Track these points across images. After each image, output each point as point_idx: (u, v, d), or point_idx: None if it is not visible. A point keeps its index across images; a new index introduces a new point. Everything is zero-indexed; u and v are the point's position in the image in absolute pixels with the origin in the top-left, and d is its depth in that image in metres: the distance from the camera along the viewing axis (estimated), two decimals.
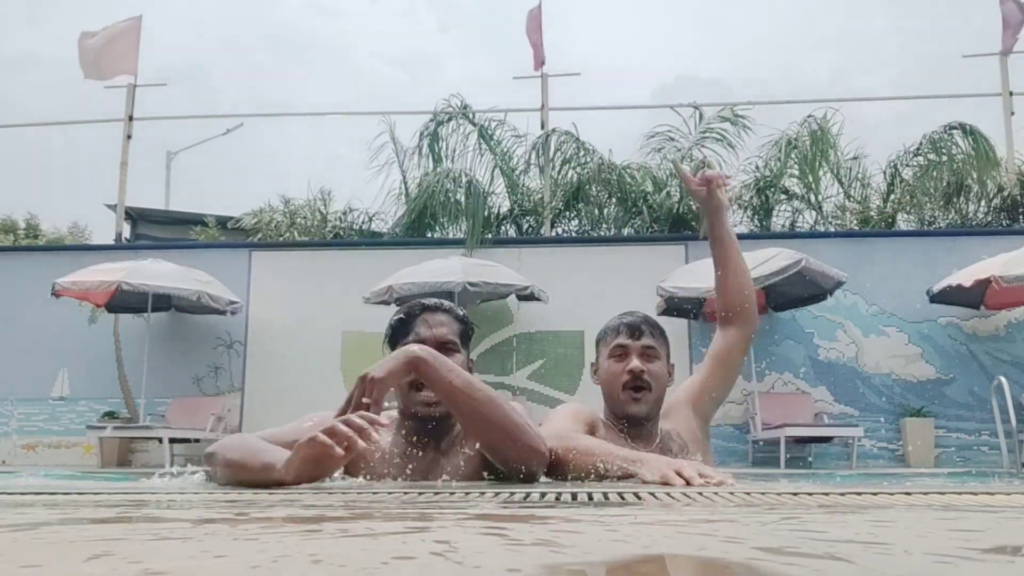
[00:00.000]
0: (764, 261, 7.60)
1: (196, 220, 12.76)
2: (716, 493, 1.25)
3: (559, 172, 10.58)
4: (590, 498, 1.17)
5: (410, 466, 1.81)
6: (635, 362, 2.04)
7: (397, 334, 1.91)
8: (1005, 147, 10.18)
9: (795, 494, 1.25)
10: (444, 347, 1.83)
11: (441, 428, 1.87)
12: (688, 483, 1.52)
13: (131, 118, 11.15)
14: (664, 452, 2.02)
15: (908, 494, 1.30)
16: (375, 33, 44.23)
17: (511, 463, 1.69)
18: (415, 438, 1.85)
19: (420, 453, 1.84)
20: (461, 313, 1.97)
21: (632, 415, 2.05)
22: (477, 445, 1.77)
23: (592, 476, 1.72)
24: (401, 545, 0.66)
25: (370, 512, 0.95)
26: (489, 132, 10.71)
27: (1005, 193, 9.97)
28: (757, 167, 10.54)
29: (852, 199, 10.46)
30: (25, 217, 14.11)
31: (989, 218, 10.12)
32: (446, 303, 1.97)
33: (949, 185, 9.90)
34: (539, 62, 11.13)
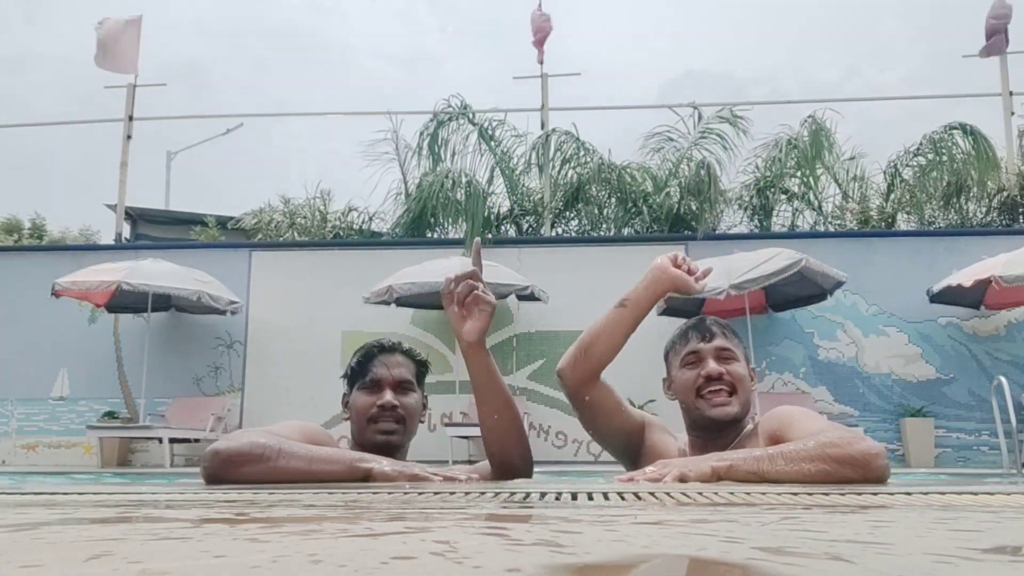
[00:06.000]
0: (764, 261, 7.60)
1: (196, 220, 12.77)
2: (716, 493, 1.25)
3: (559, 172, 10.59)
4: (590, 498, 1.17)
5: None
6: (712, 365, 1.88)
7: (356, 375, 2.02)
8: (1005, 147, 10.20)
9: (795, 494, 1.25)
10: (401, 386, 1.98)
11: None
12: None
13: (131, 118, 11.16)
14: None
15: (908, 494, 1.30)
16: (375, 33, 44.27)
17: (503, 462, 1.89)
18: None
19: None
20: (416, 354, 2.10)
21: (718, 418, 1.86)
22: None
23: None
24: (401, 545, 0.66)
25: (370, 512, 0.95)
26: (489, 132, 10.72)
27: (1005, 193, 9.97)
28: (757, 167, 10.55)
29: (850, 199, 10.47)
30: (31, 217, 14.08)
31: (989, 218, 10.12)
32: (404, 344, 2.08)
33: (949, 185, 9.90)
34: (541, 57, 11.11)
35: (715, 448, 1.87)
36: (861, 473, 1.59)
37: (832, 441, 1.61)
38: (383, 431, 1.95)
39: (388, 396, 1.96)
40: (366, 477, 1.69)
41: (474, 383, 1.87)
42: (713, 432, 1.89)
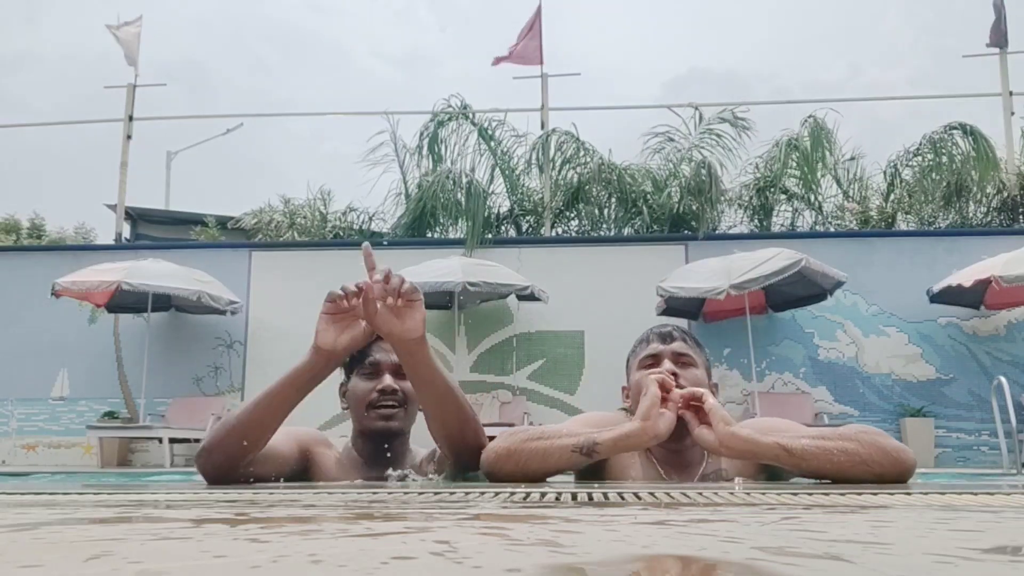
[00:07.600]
0: (764, 261, 7.61)
1: (196, 220, 12.76)
2: (716, 493, 1.25)
3: (559, 172, 10.59)
4: (590, 498, 1.17)
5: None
6: (667, 365, 1.81)
7: (354, 361, 2.02)
8: (1005, 147, 10.20)
9: (795, 494, 1.25)
10: (399, 370, 1.92)
11: (396, 447, 1.95)
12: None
13: (131, 118, 11.16)
14: (708, 478, 1.79)
15: (908, 494, 1.30)
16: (375, 32, 44.29)
17: (458, 449, 1.78)
18: (371, 459, 1.93)
19: (376, 475, 1.89)
20: None
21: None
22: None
23: (541, 466, 1.60)
24: (401, 545, 0.66)
25: (370, 512, 0.95)
26: (489, 132, 10.72)
27: (1005, 193, 9.97)
28: (757, 167, 10.55)
29: (851, 199, 10.47)
30: (30, 217, 14.07)
31: (989, 218, 10.12)
32: None
33: (949, 186, 9.90)
34: (527, 59, 11.11)
35: (681, 456, 1.81)
36: (891, 463, 1.52)
37: (863, 429, 1.56)
38: (384, 416, 1.93)
39: (388, 380, 1.94)
40: (318, 352, 1.69)
41: (419, 381, 1.72)
42: (666, 440, 1.69)
